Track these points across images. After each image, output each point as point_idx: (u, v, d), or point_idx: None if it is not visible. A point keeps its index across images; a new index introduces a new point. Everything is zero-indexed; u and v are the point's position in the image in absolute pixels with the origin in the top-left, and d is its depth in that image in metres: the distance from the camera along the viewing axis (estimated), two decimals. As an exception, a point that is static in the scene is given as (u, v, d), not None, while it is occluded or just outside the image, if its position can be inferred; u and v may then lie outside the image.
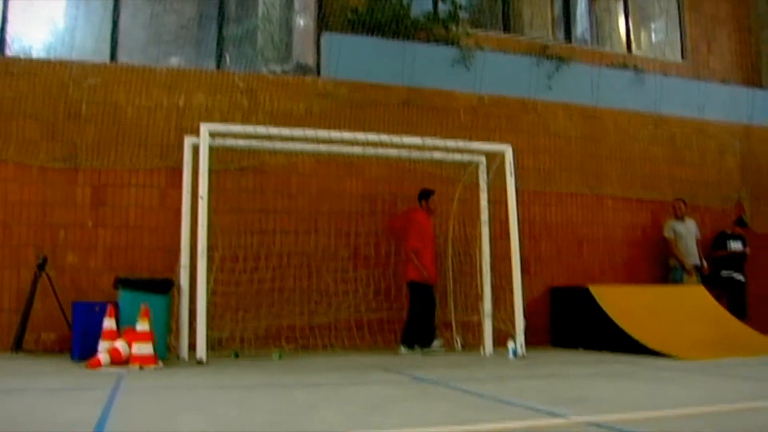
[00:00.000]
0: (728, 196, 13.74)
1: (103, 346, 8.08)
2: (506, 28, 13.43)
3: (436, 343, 10.14)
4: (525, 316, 9.83)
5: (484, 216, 10.39)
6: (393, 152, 10.04)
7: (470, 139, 10.91)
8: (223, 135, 9.18)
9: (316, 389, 6.32)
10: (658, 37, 15.04)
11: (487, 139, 11.29)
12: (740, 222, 13.26)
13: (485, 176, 10.41)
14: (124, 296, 8.62)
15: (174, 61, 10.93)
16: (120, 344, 7.96)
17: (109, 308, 8.33)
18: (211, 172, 8.85)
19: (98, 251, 9.99)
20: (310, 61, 11.60)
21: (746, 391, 6.12)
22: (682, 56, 14.59)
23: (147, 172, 10.24)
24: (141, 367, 7.70)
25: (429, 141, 9.85)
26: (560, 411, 4.82)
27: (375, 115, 11.25)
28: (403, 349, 10.04)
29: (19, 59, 10.42)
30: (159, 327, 8.51)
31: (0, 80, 9.99)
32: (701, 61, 14.53)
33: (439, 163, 10.70)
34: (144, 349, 7.90)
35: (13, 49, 10.79)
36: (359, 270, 10.72)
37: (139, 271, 9.86)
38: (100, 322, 8.31)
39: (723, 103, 14.02)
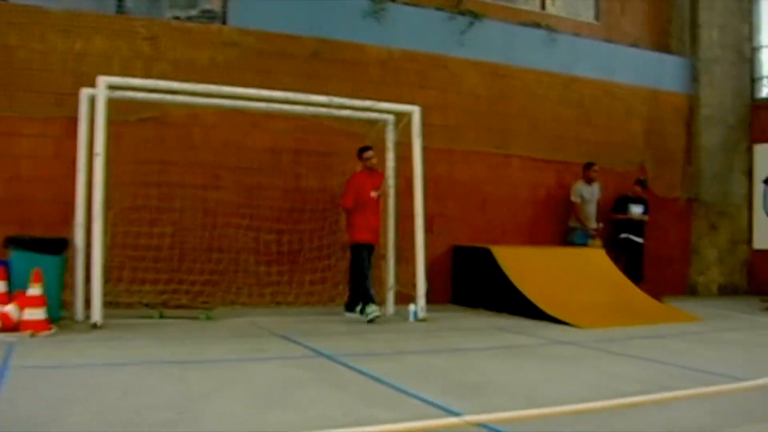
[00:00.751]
0: (632, 159, 14.01)
1: (-9, 310, 7.78)
2: (420, -20, 13.20)
3: (369, 308, 9.47)
4: (427, 279, 9.86)
5: (390, 172, 10.29)
6: (300, 108, 9.80)
7: (379, 93, 10.76)
8: (123, 87, 8.77)
9: (213, 369, 6.17)
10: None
11: (397, 94, 11.17)
12: (640, 182, 13.52)
13: (392, 136, 10.30)
14: (15, 257, 8.25)
15: (70, 2, 10.30)
16: (11, 309, 7.63)
17: (-1, 270, 7.99)
18: (109, 123, 8.50)
19: None
20: (217, 6, 11.14)
21: (638, 376, 6.25)
22: (596, 17, 14.58)
23: (41, 121, 9.75)
24: (32, 335, 7.40)
25: (336, 100, 9.64)
26: (455, 407, 4.82)
27: (282, 67, 10.95)
28: (346, 315, 9.92)
29: None
30: (52, 288, 8.19)
31: None
32: (614, 23, 14.58)
33: (346, 120, 10.47)
34: (36, 314, 7.61)
35: None
36: (262, 225, 10.53)
37: (33, 225, 9.44)
38: (-10, 283, 7.98)
39: (633, 67, 14.18)
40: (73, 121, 9.18)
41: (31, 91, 9.72)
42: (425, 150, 10.13)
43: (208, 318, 9.12)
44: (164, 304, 9.65)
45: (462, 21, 12.52)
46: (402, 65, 11.90)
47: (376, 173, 9.97)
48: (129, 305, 9.56)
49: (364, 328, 8.87)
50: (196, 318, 9.10)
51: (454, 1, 12.66)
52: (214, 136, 10.49)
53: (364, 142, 10.37)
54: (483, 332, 8.86)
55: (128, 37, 10.22)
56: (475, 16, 12.60)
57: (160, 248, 9.90)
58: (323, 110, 9.88)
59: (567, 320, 9.41)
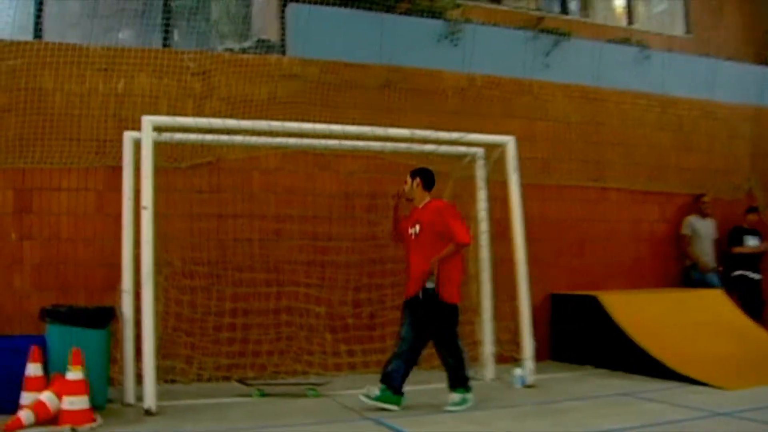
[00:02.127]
0: (738, 185, 12.37)
1: (26, 398, 6.46)
2: (496, -1, 11.97)
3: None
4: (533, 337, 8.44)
5: (483, 214, 8.88)
6: (376, 145, 8.46)
7: (460, 125, 9.40)
8: (171, 129, 7.53)
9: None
10: (659, 8, 13.57)
11: (479, 125, 9.79)
12: (753, 210, 11.93)
13: (483, 172, 8.89)
14: (52, 332, 6.95)
15: (112, 38, 9.20)
16: (47, 397, 6.32)
17: (33, 350, 6.67)
18: (157, 171, 7.25)
19: (24, 268, 8.34)
20: (274, 36, 10.04)
21: None
22: (687, 30, 13.12)
23: (81, 172, 8.58)
24: (73, 429, 6.09)
25: (419, 133, 8.28)
26: None
27: (350, 99, 9.66)
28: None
29: None
30: (97, 369, 6.88)
31: None
32: (707, 37, 13.13)
33: (427, 155, 8.93)
34: (77, 403, 6.26)
35: None
36: (335, 281, 9.19)
37: (74, 291, 8.31)
38: (24, 363, 6.66)
39: (732, 83, 12.60)
40: (116, 171, 8.05)
41: (69, 139, 8.57)
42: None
43: (316, 395, 7.69)
44: (228, 378, 8.35)
45: (546, 41, 11.21)
46: (483, 92, 10.53)
47: (414, 207, 7.59)
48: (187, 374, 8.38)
49: (467, 402, 7.40)
50: (303, 395, 7.70)
51: (536, 20, 11.35)
52: (277, 182, 9.19)
53: (449, 181, 9.06)
54: (609, 402, 7.31)
55: (176, 74, 9.02)
56: (560, 34, 11.26)
57: (220, 314, 8.61)
58: (403, 146, 8.53)
59: (704, 380, 7.87)
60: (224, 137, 7.90)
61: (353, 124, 8.46)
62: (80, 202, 8.56)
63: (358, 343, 9.10)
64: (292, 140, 8.14)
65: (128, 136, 7.70)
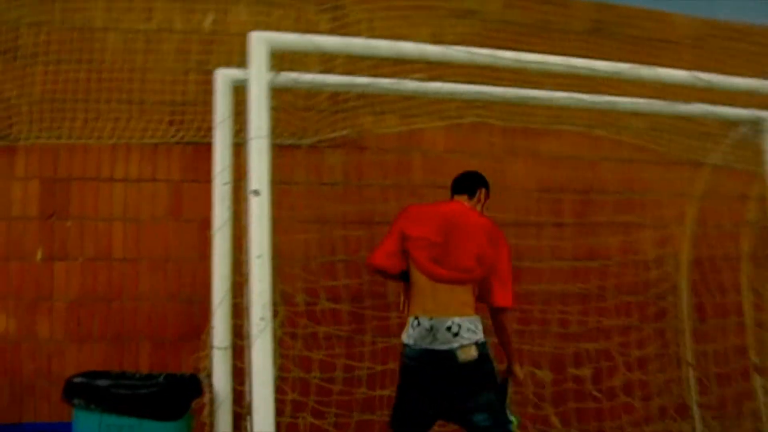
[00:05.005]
0: None
1: None
2: None
3: None
4: None
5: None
6: (626, 101, 5.29)
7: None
8: (296, 55, 4.41)
9: None
10: None
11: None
12: None
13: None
14: (83, 423, 3.83)
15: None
16: None
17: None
18: (272, 146, 4.01)
19: (55, 306, 5.35)
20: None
21: None
22: None
23: (146, 152, 5.55)
24: None
25: (704, 77, 4.90)
26: None
27: (545, 47, 6.39)
28: None
29: None
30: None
31: None
32: None
33: (683, 121, 6.30)
34: None
35: None
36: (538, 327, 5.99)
37: (133, 342, 5.34)
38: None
39: None
40: (202, 152, 5.15)
41: (127, 102, 5.60)
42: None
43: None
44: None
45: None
46: (728, 45, 7.49)
47: None
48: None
49: None
50: None
51: None
52: (445, 170, 5.86)
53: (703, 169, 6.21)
54: None
55: (293, 6, 6.04)
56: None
57: (372, 381, 5.42)
58: (660, 105, 5.38)
59: None
60: (385, 82, 4.69)
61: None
62: (144, 201, 5.53)
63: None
64: (498, 90, 4.96)
65: (223, 75, 4.58)
